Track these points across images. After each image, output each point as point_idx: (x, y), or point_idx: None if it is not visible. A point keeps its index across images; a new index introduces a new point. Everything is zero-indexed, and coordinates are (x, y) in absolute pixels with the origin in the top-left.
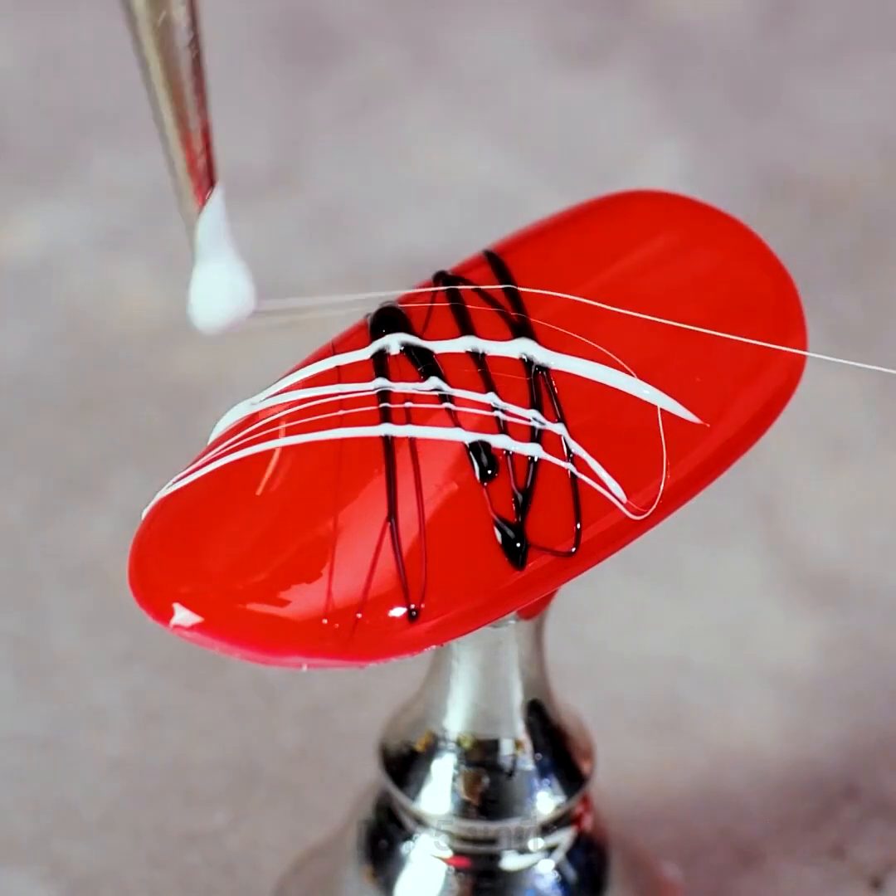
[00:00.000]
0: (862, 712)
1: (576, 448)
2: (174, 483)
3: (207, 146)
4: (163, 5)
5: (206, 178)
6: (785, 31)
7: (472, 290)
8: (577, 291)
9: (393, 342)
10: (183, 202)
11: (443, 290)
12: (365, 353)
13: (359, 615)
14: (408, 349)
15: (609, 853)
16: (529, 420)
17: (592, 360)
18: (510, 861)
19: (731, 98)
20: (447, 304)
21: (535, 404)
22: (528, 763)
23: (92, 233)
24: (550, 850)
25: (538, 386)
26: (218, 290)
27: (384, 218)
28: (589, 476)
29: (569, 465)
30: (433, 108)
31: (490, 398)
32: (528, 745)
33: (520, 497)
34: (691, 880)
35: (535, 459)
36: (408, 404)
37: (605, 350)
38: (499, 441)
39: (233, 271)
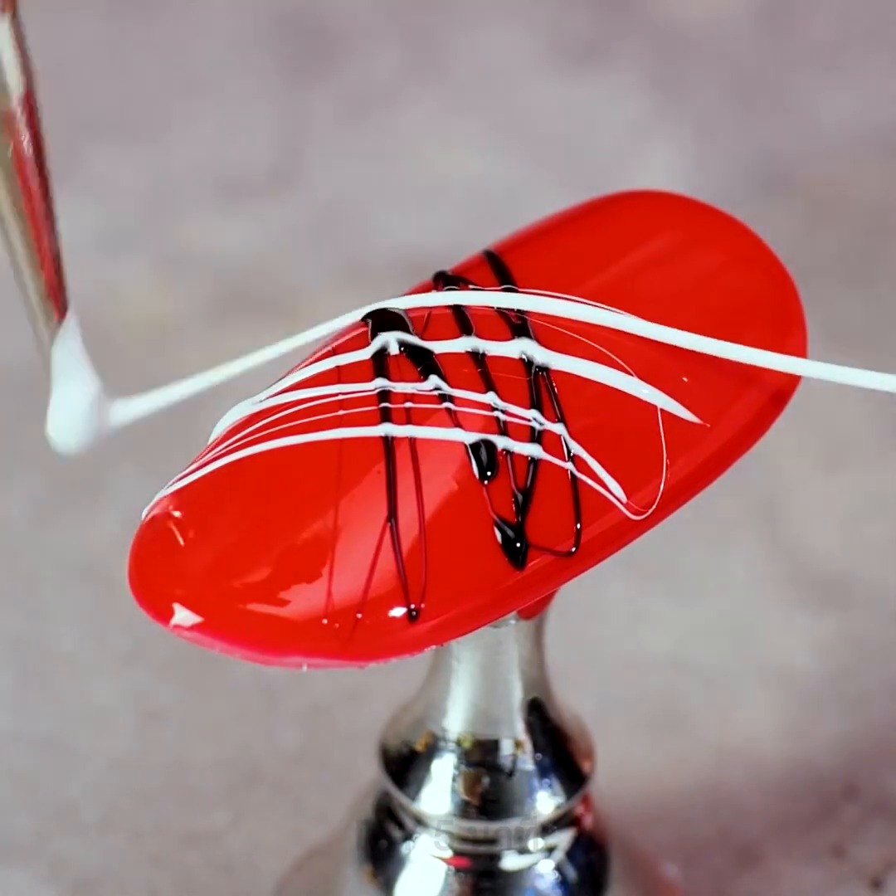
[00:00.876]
0: (862, 712)
1: (576, 448)
2: (174, 483)
3: (59, 270)
4: (8, 138)
5: (59, 302)
6: (785, 30)
7: (473, 290)
8: (577, 292)
9: (392, 342)
10: (37, 326)
11: (443, 291)
12: (365, 354)
13: (359, 615)
14: (408, 349)
15: (609, 853)
16: (529, 420)
17: (592, 360)
18: (510, 861)
19: (731, 98)
20: (447, 304)
21: (535, 404)
22: (528, 763)
23: (92, 233)
24: (550, 850)
25: (538, 386)
26: (75, 412)
27: (384, 218)
28: (589, 476)
29: (569, 465)
30: (433, 108)
31: (490, 398)
32: (528, 745)
33: (520, 497)
34: (691, 880)
35: (535, 459)
36: (408, 404)
37: (604, 350)
38: (499, 441)
39: (88, 393)
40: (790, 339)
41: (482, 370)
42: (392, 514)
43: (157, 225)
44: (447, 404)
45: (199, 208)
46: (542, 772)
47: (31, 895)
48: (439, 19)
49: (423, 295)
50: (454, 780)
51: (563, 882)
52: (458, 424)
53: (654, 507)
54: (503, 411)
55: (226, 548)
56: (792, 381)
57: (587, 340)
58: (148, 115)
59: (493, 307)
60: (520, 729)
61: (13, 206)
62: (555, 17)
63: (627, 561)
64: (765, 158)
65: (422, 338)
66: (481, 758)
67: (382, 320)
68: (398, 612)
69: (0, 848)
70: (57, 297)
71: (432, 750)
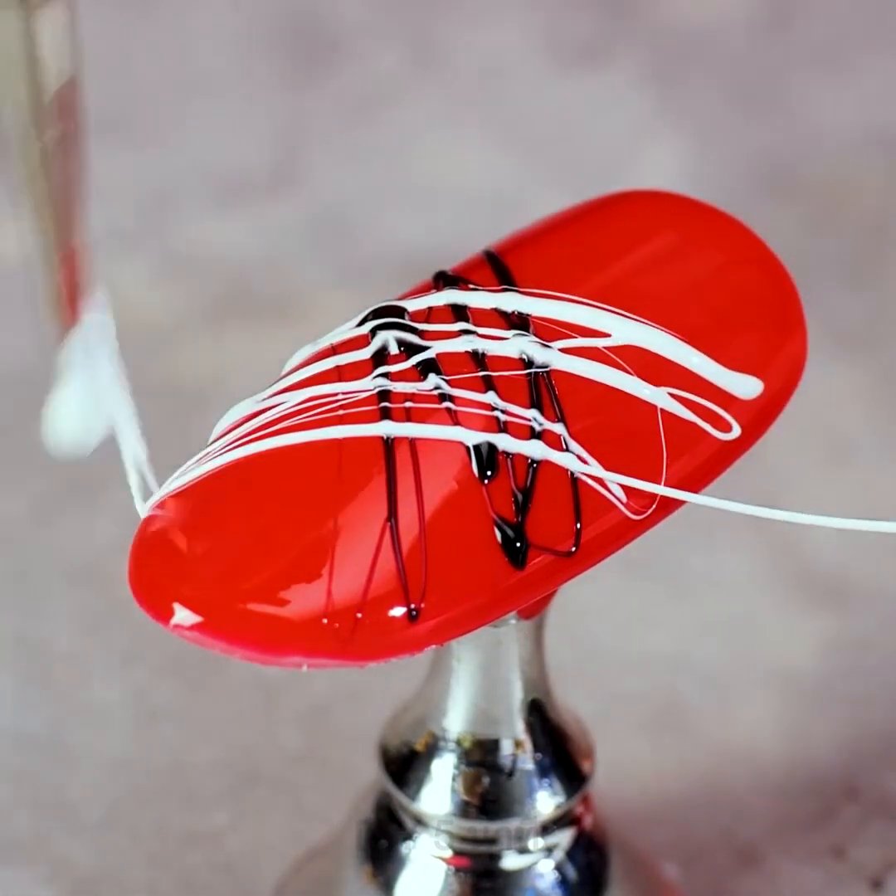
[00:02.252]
0: (862, 712)
1: (576, 448)
2: (174, 482)
3: (79, 272)
4: (47, 127)
5: (80, 299)
6: (785, 31)
7: (473, 290)
8: (577, 292)
9: (392, 342)
10: (53, 319)
11: (443, 291)
12: (365, 353)
13: (359, 615)
14: (407, 348)
15: (609, 853)
16: (529, 420)
17: (592, 359)
18: (510, 861)
19: (731, 98)
20: (447, 303)
21: (535, 404)
22: (528, 763)
23: (91, 233)
24: (550, 850)
25: (538, 386)
26: (69, 417)
27: (384, 218)
28: (589, 476)
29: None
30: (433, 108)
31: (490, 398)
32: (528, 745)
33: (520, 497)
34: (691, 880)
35: (535, 459)
36: (408, 404)
37: (604, 350)
38: (499, 441)
39: (85, 399)
40: (790, 339)
41: (482, 370)
42: (392, 514)
43: (157, 225)
44: (447, 404)
45: (199, 208)
46: (542, 772)
47: (31, 895)
48: (439, 19)
49: (423, 295)
50: (454, 780)
51: (563, 882)
52: (458, 424)
53: (654, 507)
54: (503, 411)
55: (226, 547)
56: (791, 380)
57: (587, 340)
58: (148, 115)
59: (493, 307)
60: (520, 729)
61: (46, 197)
62: (555, 17)
63: (627, 561)
64: (765, 159)
65: (422, 338)
66: (481, 758)
67: (382, 320)
68: (398, 612)
69: (0, 848)
70: (73, 300)
71: (432, 750)
